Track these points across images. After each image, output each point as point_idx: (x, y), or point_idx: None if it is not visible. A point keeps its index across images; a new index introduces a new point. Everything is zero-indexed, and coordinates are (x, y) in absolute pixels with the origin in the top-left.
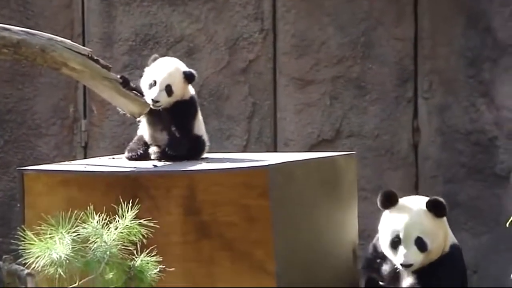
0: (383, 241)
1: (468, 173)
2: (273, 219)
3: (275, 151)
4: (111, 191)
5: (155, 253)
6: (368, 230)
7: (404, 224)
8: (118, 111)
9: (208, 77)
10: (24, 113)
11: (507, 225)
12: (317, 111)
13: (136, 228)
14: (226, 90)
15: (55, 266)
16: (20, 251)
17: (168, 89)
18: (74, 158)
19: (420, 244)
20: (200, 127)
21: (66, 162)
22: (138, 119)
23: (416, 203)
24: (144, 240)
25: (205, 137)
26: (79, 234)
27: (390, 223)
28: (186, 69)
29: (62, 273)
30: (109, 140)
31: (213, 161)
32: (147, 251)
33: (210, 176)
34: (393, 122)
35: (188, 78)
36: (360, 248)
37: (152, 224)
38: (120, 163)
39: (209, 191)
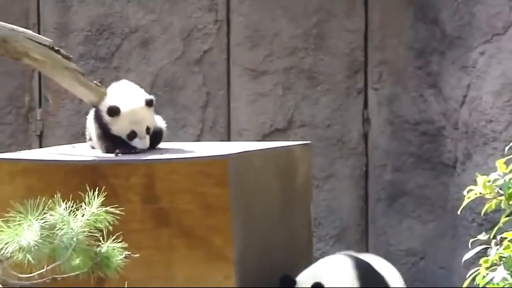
0: None
1: (416, 162)
2: (231, 207)
3: (229, 140)
4: (71, 180)
5: (119, 240)
6: (319, 218)
7: None
8: (73, 100)
9: (162, 67)
10: None
11: (459, 212)
12: (270, 101)
13: (103, 215)
14: (180, 80)
15: (24, 252)
16: None
17: (148, 131)
18: (30, 147)
19: None
20: (159, 118)
21: (26, 151)
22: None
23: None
24: (105, 228)
25: (163, 126)
26: (46, 221)
27: None
28: (146, 96)
29: (30, 259)
30: (64, 129)
31: (172, 150)
32: (112, 238)
33: (168, 165)
34: (344, 113)
35: (150, 104)
36: (313, 236)
37: (118, 211)
38: (80, 151)
39: (167, 179)
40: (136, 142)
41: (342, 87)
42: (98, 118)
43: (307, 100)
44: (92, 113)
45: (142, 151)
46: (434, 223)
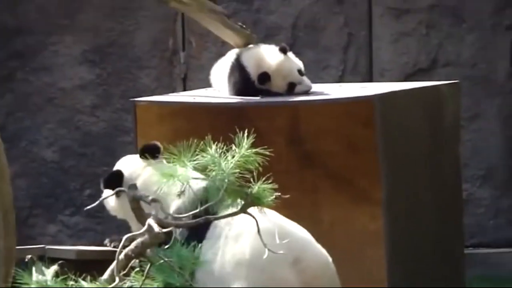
0: None
1: None
2: (378, 148)
3: (371, 81)
4: (217, 122)
5: (268, 181)
6: (464, 159)
7: None
8: (216, 43)
9: (303, 8)
10: (125, 46)
11: None
12: (413, 40)
13: (252, 157)
14: (322, 21)
15: (178, 193)
16: None
17: (301, 72)
18: (174, 90)
19: None
20: None
21: (172, 94)
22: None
23: None
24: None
25: None
26: (198, 163)
27: None
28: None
29: (184, 198)
30: (207, 72)
31: (315, 92)
32: (262, 179)
33: (313, 106)
34: (490, 50)
35: (285, 51)
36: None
37: (267, 153)
38: (225, 94)
39: (311, 121)
40: (297, 90)
41: (488, 24)
42: (240, 72)
43: (452, 39)
44: (223, 70)
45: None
46: None
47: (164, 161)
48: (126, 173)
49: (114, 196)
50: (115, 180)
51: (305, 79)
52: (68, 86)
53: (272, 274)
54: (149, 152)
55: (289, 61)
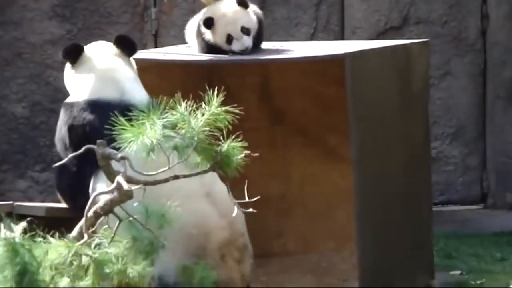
0: None
1: None
2: (348, 106)
3: (343, 39)
4: (188, 79)
5: (238, 139)
6: (434, 117)
7: None
8: None
9: None
10: (96, 1)
11: None
12: None
13: (222, 115)
14: None
15: (147, 150)
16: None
17: (245, 31)
18: (145, 46)
19: None
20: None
21: (143, 50)
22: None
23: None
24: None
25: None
26: (168, 120)
27: None
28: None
29: (153, 157)
30: (179, 28)
31: (287, 49)
32: (231, 137)
33: (284, 64)
34: (461, 8)
35: (242, 4)
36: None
37: (237, 111)
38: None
39: (282, 78)
40: (234, 44)
41: None
42: (200, 33)
43: None
44: (193, 27)
45: (252, 51)
46: None
47: (133, 62)
48: (89, 51)
49: (69, 65)
50: (74, 51)
51: (246, 38)
52: (38, 41)
53: (191, 206)
54: (125, 45)
55: (238, 13)
